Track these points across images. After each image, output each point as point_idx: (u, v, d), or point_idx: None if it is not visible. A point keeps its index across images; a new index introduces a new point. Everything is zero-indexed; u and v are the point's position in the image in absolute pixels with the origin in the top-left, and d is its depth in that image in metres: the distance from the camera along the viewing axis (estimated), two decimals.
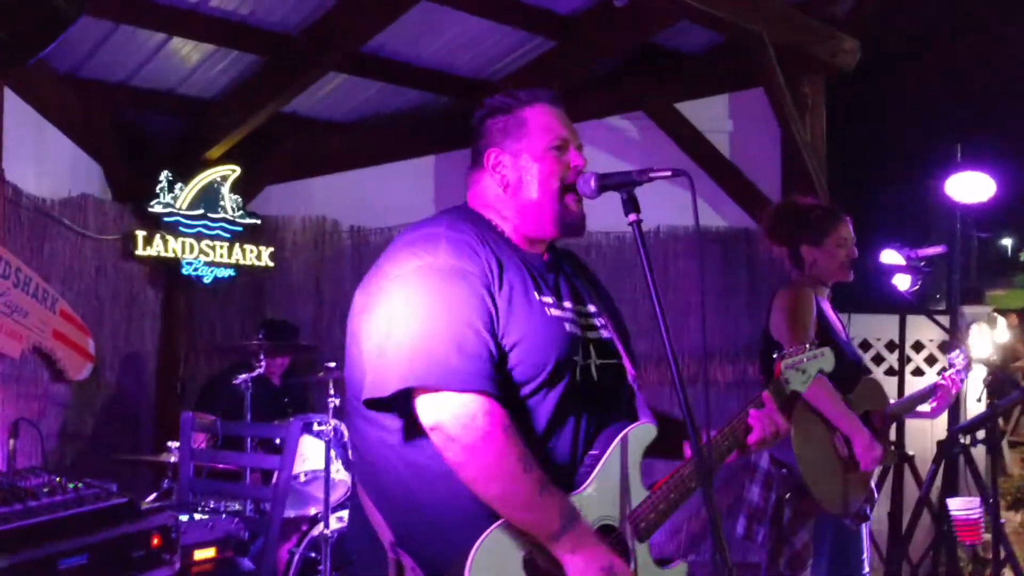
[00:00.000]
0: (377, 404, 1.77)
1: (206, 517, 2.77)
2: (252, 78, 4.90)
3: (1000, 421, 8.87)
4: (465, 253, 1.80)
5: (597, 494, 1.83)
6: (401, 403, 1.74)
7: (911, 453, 4.78)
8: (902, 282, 4.35)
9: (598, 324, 2.01)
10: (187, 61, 4.79)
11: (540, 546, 1.72)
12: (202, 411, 4.49)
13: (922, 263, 4.33)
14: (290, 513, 3.90)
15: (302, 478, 3.85)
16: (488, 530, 1.69)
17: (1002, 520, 3.49)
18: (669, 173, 1.84)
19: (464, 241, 1.83)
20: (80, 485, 2.11)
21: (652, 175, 1.85)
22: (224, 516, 2.93)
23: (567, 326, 1.88)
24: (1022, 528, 7.26)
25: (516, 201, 1.95)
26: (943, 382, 3.49)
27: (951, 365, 3.59)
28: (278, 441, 3.60)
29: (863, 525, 3.18)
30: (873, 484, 3.24)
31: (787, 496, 3.12)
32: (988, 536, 4.11)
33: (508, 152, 1.95)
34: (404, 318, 1.74)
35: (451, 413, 1.69)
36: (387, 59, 5.05)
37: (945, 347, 5.56)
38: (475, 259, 1.80)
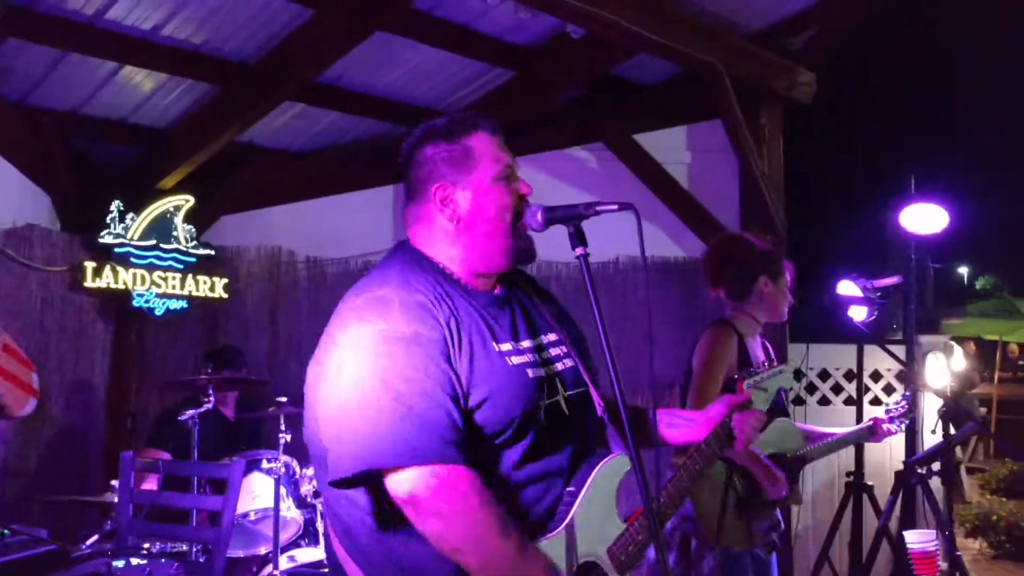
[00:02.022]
0: (343, 484, 1.70)
1: (144, 563, 2.67)
2: (206, 107, 4.83)
3: (958, 449, 8.96)
4: (419, 316, 1.72)
5: (578, 532, 1.81)
6: (367, 481, 1.68)
7: (870, 483, 4.79)
8: (858, 313, 4.37)
9: (560, 354, 1.95)
10: (140, 89, 4.72)
11: None
12: (155, 447, 4.38)
13: (878, 294, 4.35)
14: (239, 553, 3.80)
15: (252, 516, 3.74)
16: None
17: (958, 553, 3.48)
18: (615, 207, 1.81)
19: (418, 303, 1.74)
20: (6, 532, 2.01)
21: (599, 208, 1.82)
22: (164, 560, 2.82)
23: (530, 371, 1.82)
24: (981, 555, 7.30)
25: (468, 236, 1.87)
26: (879, 430, 3.57)
27: (887, 412, 3.63)
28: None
29: (757, 551, 3.20)
30: (778, 513, 3.29)
31: (687, 526, 3.19)
32: (945, 566, 4.12)
33: (458, 185, 1.86)
34: (358, 392, 1.67)
35: (421, 487, 1.63)
36: (344, 89, 5.01)
37: (902, 376, 5.60)
38: (431, 322, 1.73)
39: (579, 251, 1.81)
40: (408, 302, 1.74)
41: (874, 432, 3.59)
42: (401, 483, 1.64)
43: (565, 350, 1.96)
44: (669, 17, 4.50)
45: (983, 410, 12.15)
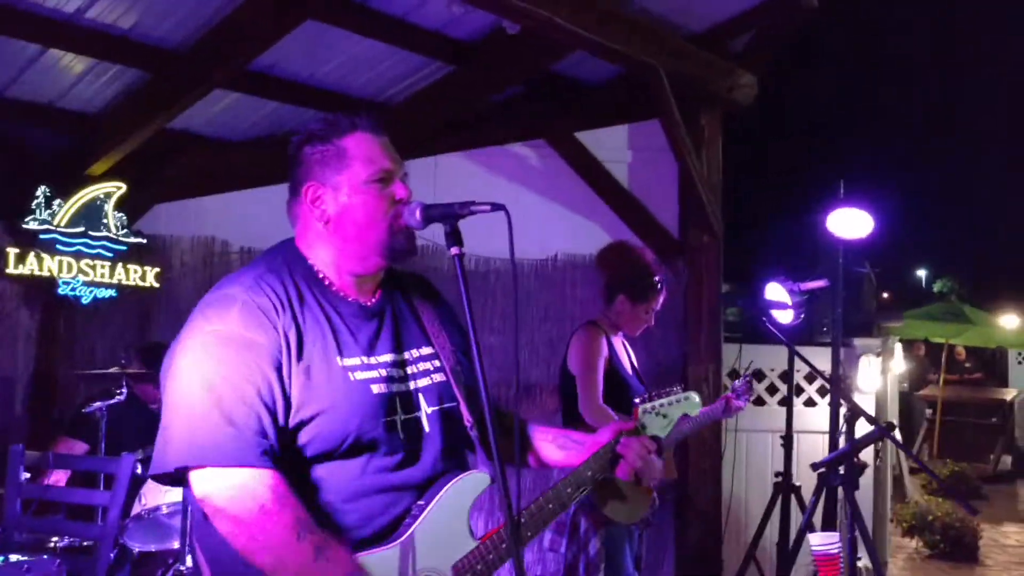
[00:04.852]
0: (158, 479, 1.75)
1: (25, 559, 2.60)
2: (136, 93, 4.73)
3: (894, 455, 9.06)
4: (255, 321, 1.73)
5: (419, 546, 1.78)
6: (178, 478, 1.72)
7: (798, 484, 4.84)
8: (785, 316, 4.41)
9: (429, 369, 1.94)
10: (68, 73, 4.61)
11: None
12: (70, 437, 4.30)
13: (805, 296, 4.39)
14: (151, 547, 3.74)
15: (164, 510, 3.68)
16: None
17: (859, 556, 3.52)
18: (488, 208, 1.79)
19: (259, 307, 1.74)
20: None
21: (473, 208, 1.81)
22: (46, 557, 2.75)
23: (375, 387, 1.81)
24: (917, 554, 7.43)
25: (338, 237, 1.87)
26: (730, 406, 4.11)
27: (732, 388, 4.21)
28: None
29: (633, 528, 3.63)
30: (655, 495, 3.70)
31: (580, 508, 3.48)
32: (866, 563, 4.18)
33: (328, 185, 1.87)
34: (182, 392, 1.71)
35: (216, 488, 1.65)
36: (280, 78, 4.94)
37: (830, 379, 5.65)
38: (266, 328, 1.73)
39: (454, 251, 1.80)
40: (250, 304, 1.74)
41: (728, 408, 4.11)
42: (198, 483, 1.67)
43: (437, 365, 1.95)
44: (607, 16, 4.48)
45: (929, 411, 12.34)
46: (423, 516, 1.80)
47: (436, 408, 1.90)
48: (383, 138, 1.92)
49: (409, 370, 1.90)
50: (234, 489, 1.64)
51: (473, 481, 1.89)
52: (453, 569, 1.82)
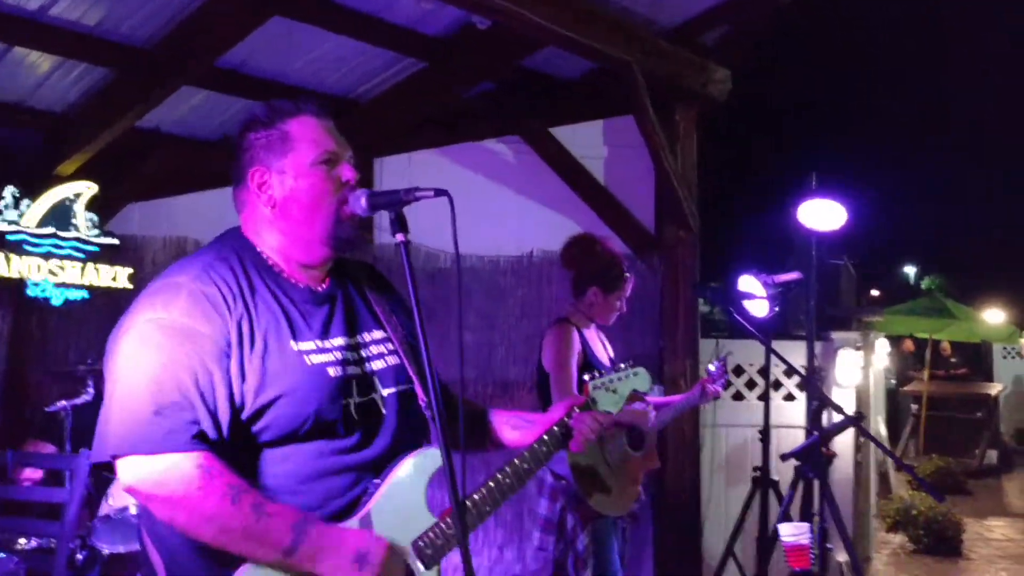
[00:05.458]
0: (99, 467, 1.77)
1: None
2: (104, 91, 4.69)
3: (884, 442, 9.09)
4: (201, 310, 1.72)
5: (376, 523, 1.79)
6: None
7: (776, 478, 4.82)
8: (759, 308, 4.39)
9: (383, 352, 1.95)
10: (35, 71, 4.57)
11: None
12: (38, 438, 4.27)
13: (778, 289, 4.38)
14: (120, 548, 3.70)
15: (133, 510, 3.65)
16: (241, 569, 1.66)
17: (829, 546, 3.52)
18: (432, 193, 1.78)
19: (207, 296, 1.73)
20: None
21: (418, 195, 1.79)
22: (4, 555, 2.72)
23: (331, 370, 1.81)
24: (901, 550, 7.44)
25: (285, 222, 1.87)
26: (706, 391, 4.14)
27: (708, 373, 4.21)
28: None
29: (619, 522, 3.70)
30: (641, 487, 3.78)
31: (567, 504, 3.54)
32: (845, 559, 4.17)
33: (273, 169, 1.86)
34: (120, 380, 1.69)
35: (143, 475, 1.64)
36: (250, 76, 4.90)
37: (808, 371, 5.65)
38: (211, 318, 1.72)
39: (399, 237, 1.79)
40: (197, 293, 1.73)
41: (704, 394, 4.13)
42: (124, 472, 1.66)
43: (390, 348, 1.96)
44: (579, 12, 4.46)
45: (914, 407, 12.36)
46: (378, 493, 1.81)
47: (393, 390, 1.91)
48: (327, 121, 1.92)
49: (363, 353, 1.90)
50: (161, 473, 1.63)
51: (427, 457, 1.88)
52: (413, 545, 1.83)
